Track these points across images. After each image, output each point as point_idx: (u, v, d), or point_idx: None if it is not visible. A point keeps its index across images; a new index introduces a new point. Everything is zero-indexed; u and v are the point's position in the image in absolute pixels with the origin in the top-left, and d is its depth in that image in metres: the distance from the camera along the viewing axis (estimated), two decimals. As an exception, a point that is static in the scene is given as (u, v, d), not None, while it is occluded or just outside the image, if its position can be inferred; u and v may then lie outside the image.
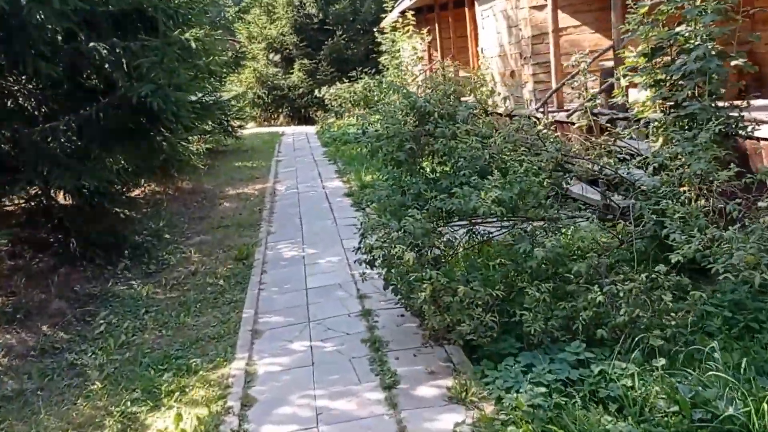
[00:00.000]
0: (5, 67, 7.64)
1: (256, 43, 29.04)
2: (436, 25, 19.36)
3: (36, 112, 7.99)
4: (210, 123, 16.53)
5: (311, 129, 24.64)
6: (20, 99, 8.02)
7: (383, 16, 27.78)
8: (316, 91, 17.21)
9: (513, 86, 13.63)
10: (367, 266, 5.27)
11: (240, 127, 21.36)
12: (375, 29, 26.78)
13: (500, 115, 14.15)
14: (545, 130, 5.87)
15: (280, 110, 29.19)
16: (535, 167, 4.75)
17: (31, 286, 7.30)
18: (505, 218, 4.82)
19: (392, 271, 4.78)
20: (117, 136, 7.78)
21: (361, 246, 5.20)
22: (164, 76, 7.33)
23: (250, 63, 27.18)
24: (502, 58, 14.17)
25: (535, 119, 5.96)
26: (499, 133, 5.03)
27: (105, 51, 7.53)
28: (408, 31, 16.19)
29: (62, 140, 7.65)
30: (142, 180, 11.25)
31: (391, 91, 5.73)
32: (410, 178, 5.20)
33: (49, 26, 8.05)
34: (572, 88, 7.67)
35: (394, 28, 16.34)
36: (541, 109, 10.02)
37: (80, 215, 8.07)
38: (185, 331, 6.02)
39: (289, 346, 5.37)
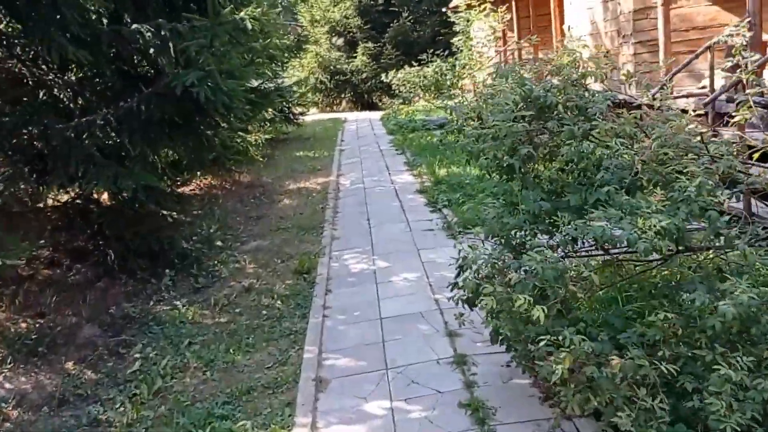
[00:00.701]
0: (38, 53, 6.68)
1: (318, 26, 27.98)
2: (513, 2, 17.78)
3: (72, 105, 6.99)
4: (270, 110, 15.54)
5: (375, 115, 23.44)
6: (55, 90, 7.03)
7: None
8: (383, 76, 15.92)
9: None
10: (465, 305, 4.02)
11: (302, 114, 20.35)
12: (444, 9, 25.35)
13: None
14: (694, 126, 4.42)
15: (343, 95, 28.10)
16: (710, 182, 3.37)
17: (64, 304, 6.34)
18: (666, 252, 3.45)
19: (501, 318, 3.50)
20: (161, 131, 6.71)
21: (459, 281, 3.93)
22: (214, 61, 6.21)
23: (313, 47, 26.15)
24: (594, 36, 12.55)
25: (676, 111, 4.51)
26: (652, 132, 3.66)
27: (149, 34, 6.48)
28: (484, 9, 14.69)
29: (100, 135, 6.62)
30: (197, 173, 10.26)
31: (498, 78, 4.34)
32: (524, 191, 3.89)
33: (90, 6, 7.10)
34: (726, 69, 6.14)
35: (469, 6, 14.87)
36: (657, 95, 8.43)
37: (121, 218, 7.05)
38: (234, 374, 4.89)
39: (364, 408, 4.16)
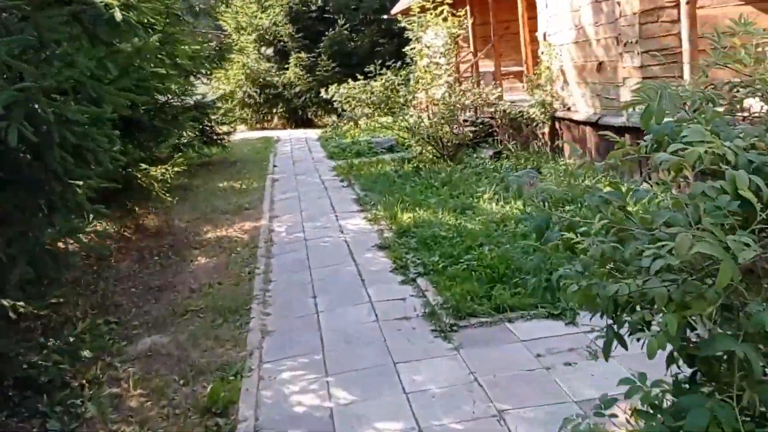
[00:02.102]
0: None
1: (245, 34, 25.19)
2: (468, 7, 15.59)
3: None
4: (186, 132, 12.76)
5: (312, 134, 20.93)
6: None
7: (388, 4, 23.93)
8: (323, 92, 13.41)
9: (600, 84, 9.88)
10: None
11: (227, 133, 17.58)
12: (384, 16, 23.04)
13: (577, 122, 10.42)
14: None
15: (275, 111, 25.42)
16: None
17: None
18: None
19: None
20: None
21: None
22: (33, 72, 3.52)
23: (239, 57, 23.33)
24: (581, 45, 10.38)
25: None
26: None
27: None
28: (442, 12, 12.39)
29: None
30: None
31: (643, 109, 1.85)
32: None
33: None
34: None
35: (423, 9, 12.55)
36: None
37: None
38: None
39: None
